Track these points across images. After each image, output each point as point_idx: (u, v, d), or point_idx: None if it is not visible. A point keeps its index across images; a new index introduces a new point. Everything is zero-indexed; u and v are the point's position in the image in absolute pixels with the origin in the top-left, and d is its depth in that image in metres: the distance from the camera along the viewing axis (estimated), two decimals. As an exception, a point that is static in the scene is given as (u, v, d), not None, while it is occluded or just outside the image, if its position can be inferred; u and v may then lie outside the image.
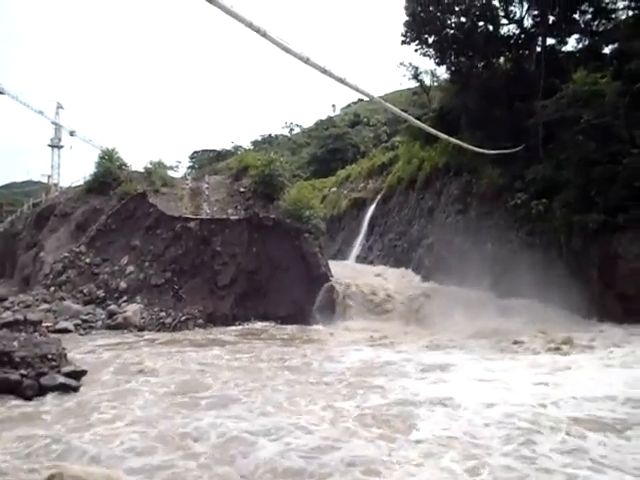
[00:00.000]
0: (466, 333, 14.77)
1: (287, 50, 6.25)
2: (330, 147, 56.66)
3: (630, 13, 20.21)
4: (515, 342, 13.41)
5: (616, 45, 20.24)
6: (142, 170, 22.27)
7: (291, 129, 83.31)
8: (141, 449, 6.81)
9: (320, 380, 10.30)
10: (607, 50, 21.14)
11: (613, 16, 21.06)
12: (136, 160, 24.21)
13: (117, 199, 20.40)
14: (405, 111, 18.76)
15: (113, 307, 17.07)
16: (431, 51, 23.31)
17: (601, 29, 21.46)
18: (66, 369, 9.86)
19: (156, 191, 20.44)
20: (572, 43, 22.16)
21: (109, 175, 21.53)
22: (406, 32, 23.03)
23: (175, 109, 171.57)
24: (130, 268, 18.41)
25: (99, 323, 16.43)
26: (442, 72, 28.32)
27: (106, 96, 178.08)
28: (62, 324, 15.60)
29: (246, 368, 11.37)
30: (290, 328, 16.76)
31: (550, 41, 21.54)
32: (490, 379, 10.05)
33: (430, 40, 22.75)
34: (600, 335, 13.66)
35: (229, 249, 18.42)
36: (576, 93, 16.76)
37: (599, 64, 18.81)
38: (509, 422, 7.63)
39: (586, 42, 21.86)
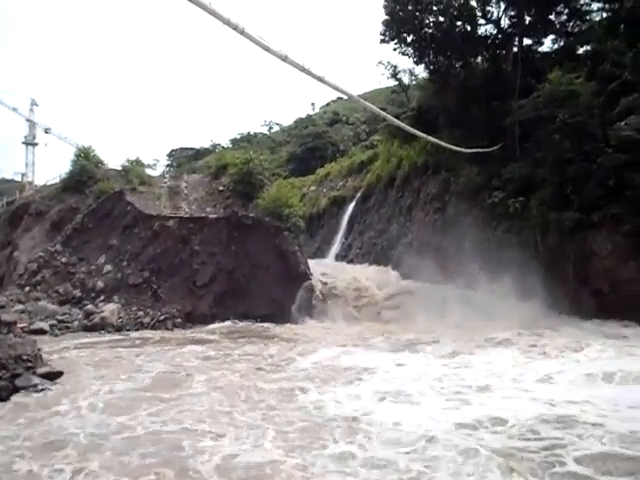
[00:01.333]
0: (444, 330, 14.89)
1: (266, 48, 6.22)
2: (309, 145, 56.60)
3: (604, 15, 20.53)
4: (487, 339, 13.62)
5: (590, 46, 20.56)
6: (119, 168, 22.05)
7: (270, 127, 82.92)
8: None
9: (258, 385, 9.93)
10: (582, 51, 21.46)
11: (588, 17, 21.36)
12: (113, 158, 24.07)
13: (94, 198, 20.16)
14: (384, 110, 18.83)
15: (90, 307, 16.87)
16: (410, 50, 23.40)
17: (576, 30, 21.76)
18: (41, 370, 9.75)
19: (133, 190, 20.25)
20: (548, 44, 22.46)
21: (85, 173, 21.25)
22: (385, 31, 23.08)
23: (153, 107, 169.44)
24: (107, 267, 18.19)
25: (75, 323, 16.22)
26: (420, 71, 28.52)
27: (82, 93, 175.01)
28: (37, 324, 15.39)
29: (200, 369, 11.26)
30: (267, 327, 16.65)
31: (527, 41, 21.79)
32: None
33: (409, 39, 22.84)
34: (570, 332, 13.94)
35: (208, 248, 18.32)
36: (552, 93, 16.98)
37: (574, 65, 19.09)
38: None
39: (561, 43, 22.15)
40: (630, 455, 6.34)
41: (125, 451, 6.78)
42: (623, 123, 15.28)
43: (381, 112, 12.46)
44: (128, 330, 15.96)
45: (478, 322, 15.29)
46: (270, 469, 6.26)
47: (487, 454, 6.43)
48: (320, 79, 7.76)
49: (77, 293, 17.58)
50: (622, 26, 18.84)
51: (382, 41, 23.49)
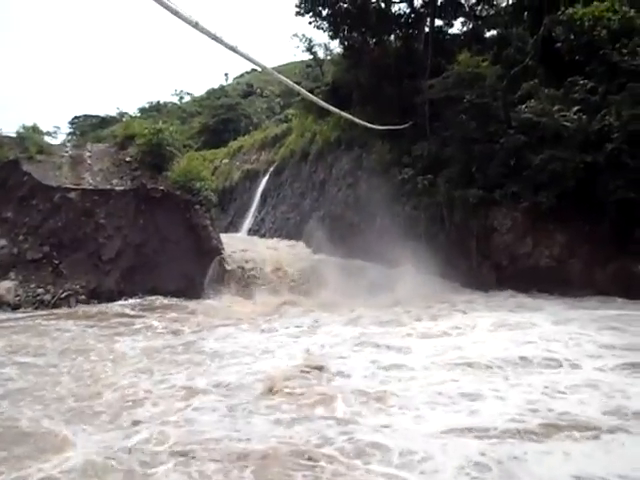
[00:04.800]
0: (351, 304, 15.26)
1: (175, 12, 5.89)
2: (222, 117, 55.25)
3: (510, 1, 21.39)
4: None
5: (497, 31, 21.42)
6: (14, 135, 20.38)
7: (181, 97, 79.82)
8: None
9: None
10: (489, 35, 22.30)
11: (495, 3, 22.14)
12: (6, 124, 22.18)
13: (-16, 167, 18.54)
14: (298, 83, 18.67)
15: (-18, 284, 15.68)
16: (325, 24, 23.22)
17: (484, 14, 22.55)
18: None
19: (30, 158, 18.80)
20: (458, 26, 23.09)
21: (-26, 140, 19.46)
22: (300, 3, 22.72)
23: (53, 69, 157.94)
24: (2, 242, 16.89)
25: (-35, 302, 15.06)
26: (335, 46, 28.46)
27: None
28: None
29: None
30: (175, 303, 16.26)
31: (438, 22, 22.23)
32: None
33: (324, 13, 22.63)
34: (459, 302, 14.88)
35: (114, 221, 17.50)
36: (460, 74, 17.56)
37: (481, 48, 19.82)
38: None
39: (470, 26, 22.83)
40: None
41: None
42: (524, 106, 16.11)
43: (295, 86, 12.29)
44: (26, 308, 15.03)
45: (382, 295, 15.74)
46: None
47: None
48: (232, 49, 7.47)
49: (-33, 269, 16.27)
50: (525, 13, 19.76)
51: (297, 13, 23.14)
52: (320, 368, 8.86)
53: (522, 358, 9.04)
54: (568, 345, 9.70)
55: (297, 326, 12.89)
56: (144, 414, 7.13)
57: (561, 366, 8.70)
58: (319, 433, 6.38)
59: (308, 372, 8.69)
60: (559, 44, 16.30)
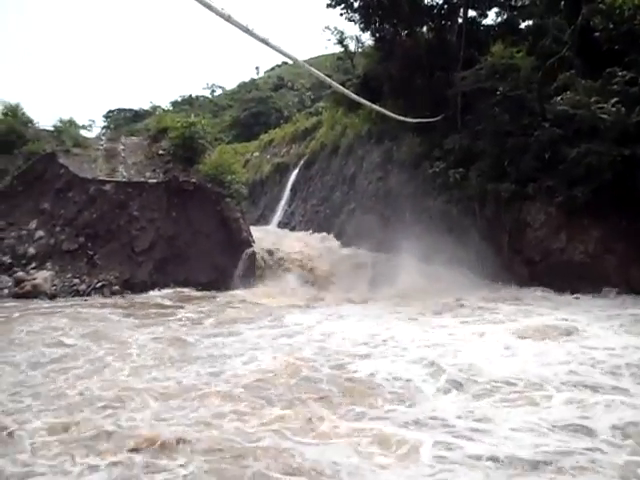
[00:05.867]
0: (379, 296, 15.38)
1: (207, 6, 5.94)
2: (253, 110, 55.64)
3: (546, -10, 20.87)
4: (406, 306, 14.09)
5: (532, 21, 20.93)
6: (51, 128, 20.86)
7: (213, 91, 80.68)
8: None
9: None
10: (524, 25, 21.81)
11: (531, -8, 21.67)
12: (44, 117, 22.71)
13: (23, 159, 19.04)
14: (329, 76, 18.58)
15: (21, 274, 16.13)
16: (356, 16, 23.09)
17: (519, 4, 22.09)
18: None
19: (67, 151, 19.27)
20: (492, 17, 22.66)
21: (13, 133, 19.95)
22: (332, -5, 22.67)
23: (88, 64, 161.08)
24: (39, 233, 17.39)
25: (5, 291, 15.52)
26: (367, 38, 28.19)
27: (10, 45, 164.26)
28: (-37, 291, 14.65)
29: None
30: (208, 294, 16.48)
31: (471, 13, 21.86)
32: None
33: (356, 5, 22.53)
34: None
35: (147, 213, 17.82)
36: (494, 66, 17.24)
37: (516, 39, 19.39)
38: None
39: (505, 16, 22.39)
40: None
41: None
42: (559, 98, 15.72)
43: (326, 79, 12.25)
44: (62, 298, 15.44)
45: (416, 290, 15.70)
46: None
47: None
48: (264, 41, 7.51)
49: (7, 260, 16.72)
50: (562, 3, 19.25)
51: (329, 5, 23.08)
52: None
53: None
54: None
55: (325, 318, 12.88)
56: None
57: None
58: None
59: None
60: (597, 34, 15.85)
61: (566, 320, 11.18)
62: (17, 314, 13.12)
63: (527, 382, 7.53)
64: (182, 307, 14.52)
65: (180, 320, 12.83)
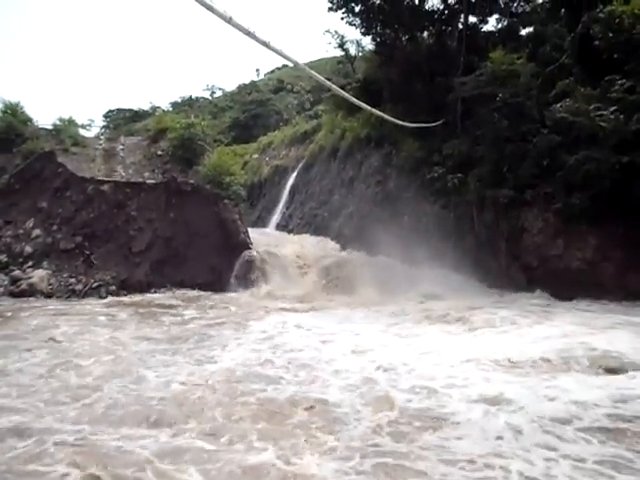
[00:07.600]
0: (374, 300, 15.49)
1: (209, 7, 5.93)
2: (253, 112, 55.58)
3: (547, -2, 20.98)
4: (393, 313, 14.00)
5: (533, 28, 21.03)
6: (50, 127, 20.87)
7: (213, 92, 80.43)
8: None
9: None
10: (524, 32, 21.92)
11: (531, -1, 21.80)
12: (43, 116, 22.77)
13: (21, 157, 19.05)
14: (329, 80, 18.58)
15: (17, 273, 16.11)
16: (357, 20, 23.18)
17: (520, 11, 22.19)
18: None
19: (65, 150, 19.32)
20: (492, 23, 22.80)
21: (12, 131, 19.99)
22: (333, -2, 22.74)
23: (88, 64, 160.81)
24: (36, 232, 17.36)
25: (1, 289, 15.50)
26: (367, 42, 28.30)
27: (10, 45, 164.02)
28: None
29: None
30: (201, 295, 16.48)
31: (472, 19, 21.99)
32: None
33: (357, 9, 22.62)
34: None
35: (145, 214, 17.78)
36: (494, 72, 17.30)
37: (516, 45, 19.47)
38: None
39: (505, 23, 22.51)
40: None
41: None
42: (559, 105, 15.78)
43: (326, 82, 12.24)
44: (58, 297, 15.40)
45: (410, 292, 15.84)
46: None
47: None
48: (265, 44, 7.49)
49: (3, 258, 16.72)
50: (563, 11, 19.34)
51: (330, 9, 23.17)
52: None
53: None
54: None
55: (323, 323, 12.85)
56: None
57: None
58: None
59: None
60: (597, 42, 15.92)
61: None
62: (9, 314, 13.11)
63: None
64: (174, 308, 14.48)
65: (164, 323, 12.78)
